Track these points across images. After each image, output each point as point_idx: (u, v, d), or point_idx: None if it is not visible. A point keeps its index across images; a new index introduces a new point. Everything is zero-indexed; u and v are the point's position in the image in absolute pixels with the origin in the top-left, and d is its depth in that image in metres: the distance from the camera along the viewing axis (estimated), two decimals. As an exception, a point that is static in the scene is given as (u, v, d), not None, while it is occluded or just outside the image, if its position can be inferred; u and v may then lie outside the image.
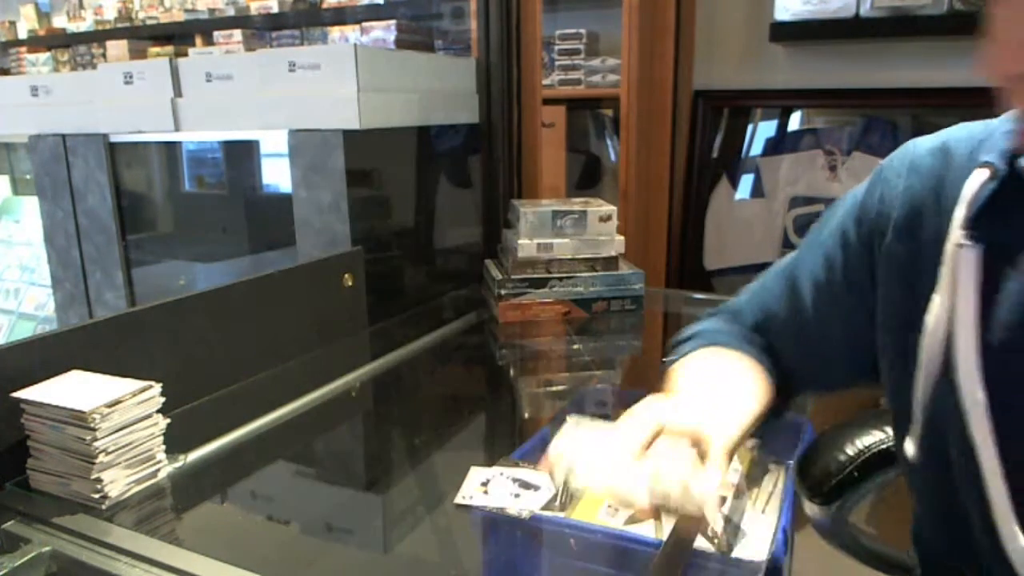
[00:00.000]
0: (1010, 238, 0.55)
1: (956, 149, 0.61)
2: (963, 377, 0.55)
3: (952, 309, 0.56)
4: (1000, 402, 0.54)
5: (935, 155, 0.62)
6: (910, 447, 0.63)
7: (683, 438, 0.56)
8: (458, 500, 0.79)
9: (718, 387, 0.67)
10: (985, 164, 0.57)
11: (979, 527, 0.57)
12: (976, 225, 0.56)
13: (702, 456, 0.56)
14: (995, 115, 0.60)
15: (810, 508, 0.89)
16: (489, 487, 0.80)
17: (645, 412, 0.58)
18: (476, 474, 0.83)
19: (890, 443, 0.85)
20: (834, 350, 0.72)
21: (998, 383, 0.54)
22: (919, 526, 0.73)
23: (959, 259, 0.56)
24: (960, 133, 0.63)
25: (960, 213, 0.57)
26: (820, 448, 0.89)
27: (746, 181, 2.21)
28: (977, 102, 1.97)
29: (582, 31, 2.37)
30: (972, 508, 0.57)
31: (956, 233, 0.57)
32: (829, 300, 0.70)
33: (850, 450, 0.87)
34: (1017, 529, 0.53)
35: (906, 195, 0.62)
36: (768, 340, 0.77)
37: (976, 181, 0.57)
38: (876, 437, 0.87)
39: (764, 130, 2.21)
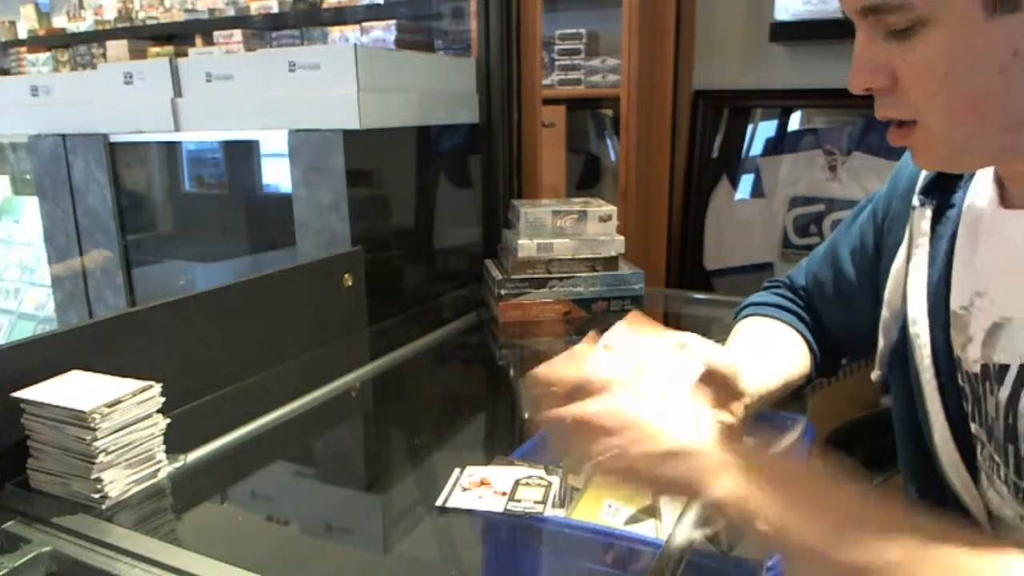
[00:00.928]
0: (950, 201, 0.69)
1: None
2: (914, 313, 0.68)
3: (908, 257, 0.70)
4: (934, 331, 0.66)
5: None
6: (875, 372, 0.75)
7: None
8: (451, 504, 0.79)
9: (754, 349, 0.83)
10: None
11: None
12: (928, 191, 0.70)
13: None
14: None
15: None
16: (486, 487, 0.80)
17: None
18: (472, 473, 0.83)
19: None
20: (865, 310, 0.81)
21: (933, 314, 0.67)
22: (902, 460, 0.81)
23: (915, 217, 0.70)
24: None
25: (920, 182, 0.72)
26: (847, 436, 0.97)
27: (746, 181, 2.21)
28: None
29: (582, 31, 2.37)
30: (925, 426, 0.68)
31: (915, 197, 0.71)
32: (861, 265, 0.83)
33: (872, 440, 1.00)
34: (952, 442, 0.65)
35: (913, 170, 0.75)
36: (812, 301, 0.91)
37: None
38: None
39: (764, 130, 2.21)
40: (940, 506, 0.68)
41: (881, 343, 0.75)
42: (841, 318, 0.87)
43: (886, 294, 0.73)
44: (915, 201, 0.70)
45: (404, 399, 1.24)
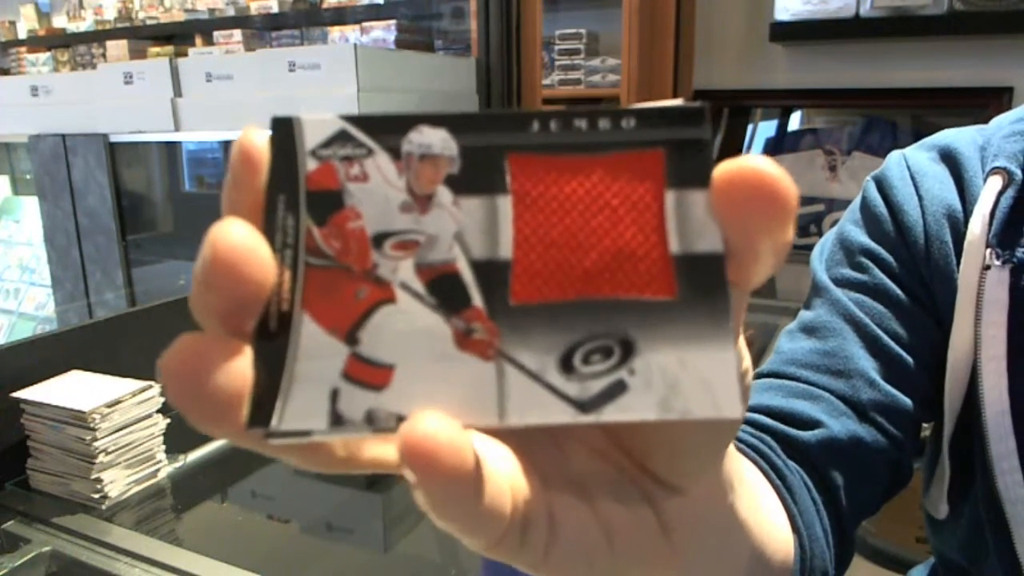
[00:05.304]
0: None
1: (962, 153, 0.53)
2: (991, 423, 0.47)
3: (977, 341, 0.48)
4: None
5: (938, 162, 0.54)
6: (940, 502, 0.52)
7: None
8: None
9: None
10: (997, 170, 0.49)
11: None
12: (1001, 242, 0.48)
13: None
14: (986, 120, 0.56)
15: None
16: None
17: None
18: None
19: None
20: (924, 386, 0.53)
21: (1021, 416, 0.47)
22: None
23: (988, 280, 0.48)
24: (956, 137, 0.55)
25: (979, 228, 0.48)
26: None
27: (746, 181, 2.21)
28: (977, 102, 1.95)
29: (582, 31, 2.37)
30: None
31: (978, 251, 0.48)
32: (907, 327, 0.52)
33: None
34: None
35: (922, 203, 0.53)
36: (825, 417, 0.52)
37: (992, 191, 0.49)
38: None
39: (764, 130, 2.21)
40: None
41: (947, 463, 0.51)
42: (892, 405, 0.52)
43: (946, 389, 0.50)
44: (989, 258, 0.48)
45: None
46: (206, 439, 1.01)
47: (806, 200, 2.09)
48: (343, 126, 0.18)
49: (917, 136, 1.83)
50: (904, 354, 0.51)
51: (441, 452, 0.16)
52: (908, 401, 0.50)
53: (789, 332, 0.55)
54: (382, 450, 0.20)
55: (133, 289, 1.99)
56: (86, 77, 1.95)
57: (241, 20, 2.71)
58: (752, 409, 0.49)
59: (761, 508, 0.33)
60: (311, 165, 0.18)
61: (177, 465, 0.94)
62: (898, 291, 0.52)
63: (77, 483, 0.85)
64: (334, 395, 0.17)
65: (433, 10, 2.36)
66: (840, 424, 0.48)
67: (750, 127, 2.23)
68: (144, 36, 3.03)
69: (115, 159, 1.92)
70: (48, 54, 3.29)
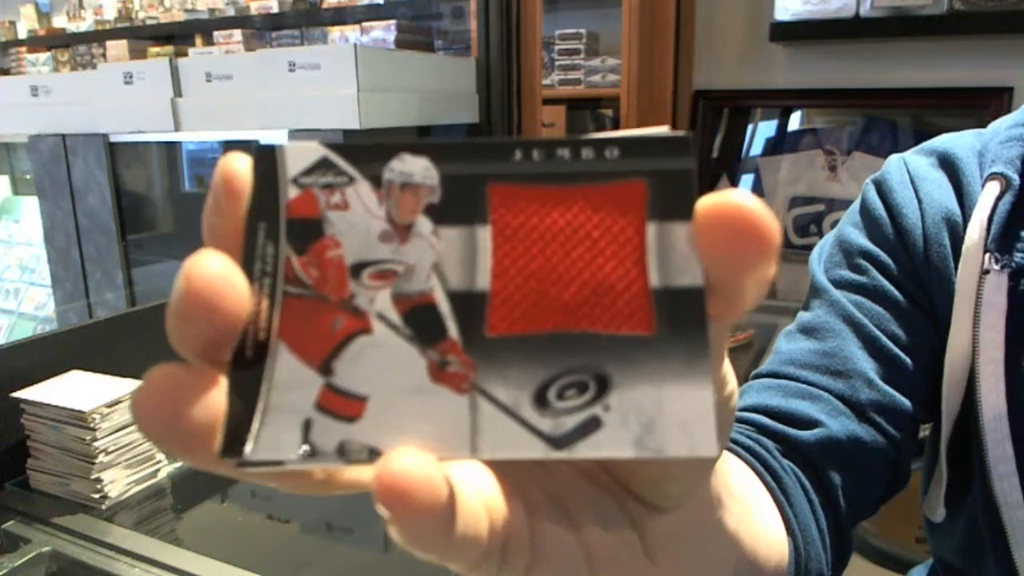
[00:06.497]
0: None
1: (960, 159, 0.54)
2: (988, 427, 0.47)
3: (975, 345, 0.48)
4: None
5: (937, 168, 0.55)
6: (937, 506, 0.53)
7: None
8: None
9: None
10: (994, 175, 0.50)
11: None
12: (999, 247, 0.48)
13: None
14: (984, 124, 0.56)
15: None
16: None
17: None
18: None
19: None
20: (922, 388, 0.53)
21: (1020, 417, 0.47)
22: None
23: (984, 286, 0.48)
24: (955, 142, 0.55)
25: (977, 233, 0.49)
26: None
27: (746, 181, 2.21)
28: (977, 102, 1.94)
29: (582, 31, 2.37)
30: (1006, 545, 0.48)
31: (976, 256, 0.49)
32: (905, 329, 0.52)
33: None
34: None
35: (921, 206, 0.53)
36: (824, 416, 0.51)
37: (990, 196, 0.49)
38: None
39: (764, 130, 2.21)
40: None
41: (946, 473, 0.51)
42: (893, 406, 0.51)
43: (944, 393, 0.50)
44: (988, 263, 0.48)
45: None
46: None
47: (806, 200, 2.09)
48: (325, 154, 0.18)
49: (917, 136, 1.83)
50: (902, 355, 0.51)
51: (415, 491, 0.16)
52: (906, 402, 0.50)
53: (788, 333, 0.55)
54: (361, 472, 0.20)
55: (133, 289, 1.99)
56: (86, 77, 1.96)
57: (241, 20, 2.71)
58: (751, 409, 0.49)
59: (752, 516, 0.33)
60: (292, 193, 0.18)
61: (177, 465, 0.94)
62: (897, 293, 0.52)
63: (77, 483, 0.85)
64: (307, 426, 0.17)
65: (433, 10, 2.36)
66: (839, 424, 0.48)
67: (750, 127, 2.23)
68: (144, 36, 3.03)
69: (115, 159, 1.92)
70: (48, 54, 3.29)
